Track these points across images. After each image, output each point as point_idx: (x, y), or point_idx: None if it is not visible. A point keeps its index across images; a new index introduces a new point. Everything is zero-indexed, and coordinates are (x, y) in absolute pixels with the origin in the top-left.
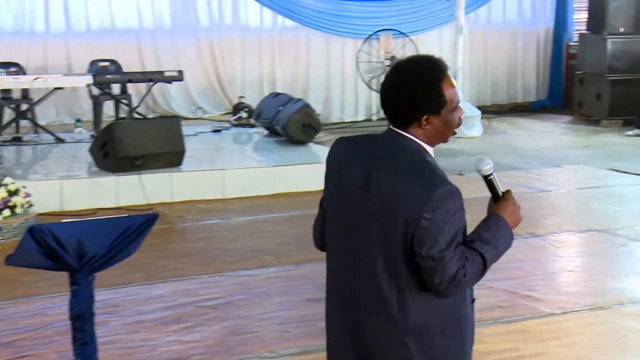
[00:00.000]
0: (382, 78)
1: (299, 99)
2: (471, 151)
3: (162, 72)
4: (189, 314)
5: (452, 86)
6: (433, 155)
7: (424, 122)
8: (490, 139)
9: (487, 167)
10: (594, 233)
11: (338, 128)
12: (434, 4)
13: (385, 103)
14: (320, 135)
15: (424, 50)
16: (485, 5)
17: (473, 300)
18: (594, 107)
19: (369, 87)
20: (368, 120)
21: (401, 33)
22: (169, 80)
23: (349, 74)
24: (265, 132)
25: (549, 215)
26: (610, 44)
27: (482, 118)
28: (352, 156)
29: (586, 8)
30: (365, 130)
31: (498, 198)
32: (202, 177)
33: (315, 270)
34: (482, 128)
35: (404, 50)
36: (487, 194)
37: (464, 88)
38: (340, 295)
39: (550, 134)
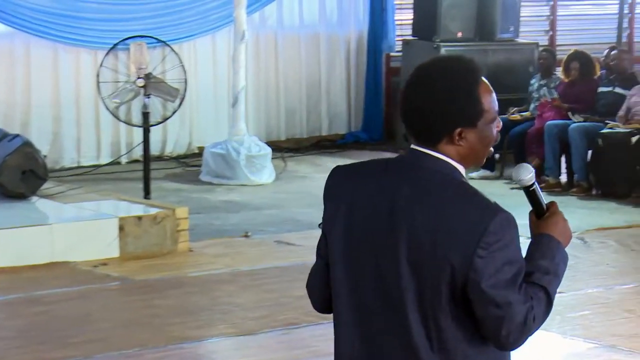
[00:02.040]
0: (136, 103)
1: (17, 135)
2: (259, 204)
3: None
4: None
5: (490, 92)
6: (466, 178)
7: (457, 137)
8: (285, 186)
9: (530, 176)
10: None
11: (73, 175)
12: (203, 1)
13: (407, 114)
14: (48, 187)
15: (190, 64)
16: (274, 3)
17: None
18: None
19: (116, 116)
20: (116, 163)
21: (159, 41)
22: None
23: (87, 99)
24: None
25: None
26: (445, 53)
27: (273, 158)
28: (364, 189)
29: (411, 7)
30: (113, 177)
31: (542, 213)
32: None
33: None
34: (274, 172)
35: (163, 64)
36: None
37: (247, 118)
38: (358, 356)
39: None
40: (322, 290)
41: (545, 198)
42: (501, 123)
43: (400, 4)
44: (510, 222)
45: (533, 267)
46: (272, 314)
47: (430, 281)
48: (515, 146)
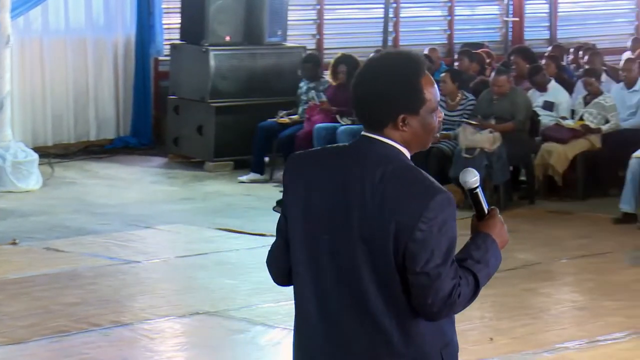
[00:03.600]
0: None
1: None
2: (26, 210)
3: None
4: None
5: (432, 85)
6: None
7: (401, 123)
8: (53, 192)
9: (474, 179)
10: (201, 317)
11: None
12: None
13: (357, 102)
14: None
15: None
16: (39, 7)
17: None
18: (195, 145)
19: None
20: None
21: None
22: None
23: None
24: None
25: (138, 295)
26: (214, 58)
27: (40, 164)
28: (320, 173)
29: (179, 10)
30: None
31: (483, 215)
32: None
33: None
34: (42, 178)
35: None
36: None
37: (13, 123)
38: (319, 332)
39: (137, 183)
40: (281, 266)
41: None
42: (442, 114)
43: (168, 7)
44: (450, 202)
45: (466, 255)
46: (42, 321)
47: (381, 252)
48: (285, 149)
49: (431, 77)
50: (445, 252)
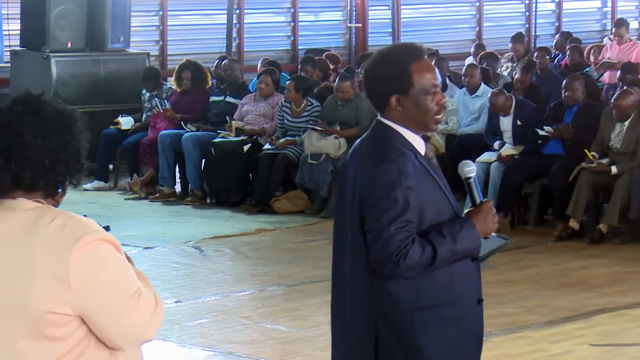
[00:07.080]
0: None
1: None
2: None
3: None
4: None
5: (428, 70)
6: (413, 142)
7: (395, 103)
8: None
9: (468, 169)
10: None
11: None
12: None
13: (364, 87)
14: None
15: None
16: None
17: (480, 301)
18: None
19: None
20: None
21: None
22: None
23: None
24: None
25: None
26: (55, 64)
27: None
28: (349, 161)
29: (19, 16)
30: None
31: (475, 205)
32: None
33: None
34: None
35: None
36: None
37: None
38: (335, 290)
39: None
40: None
41: (172, 207)
42: (445, 99)
43: (7, 13)
44: (398, 171)
45: (434, 229)
46: None
47: (356, 218)
48: (129, 157)
49: (428, 64)
50: (394, 216)
